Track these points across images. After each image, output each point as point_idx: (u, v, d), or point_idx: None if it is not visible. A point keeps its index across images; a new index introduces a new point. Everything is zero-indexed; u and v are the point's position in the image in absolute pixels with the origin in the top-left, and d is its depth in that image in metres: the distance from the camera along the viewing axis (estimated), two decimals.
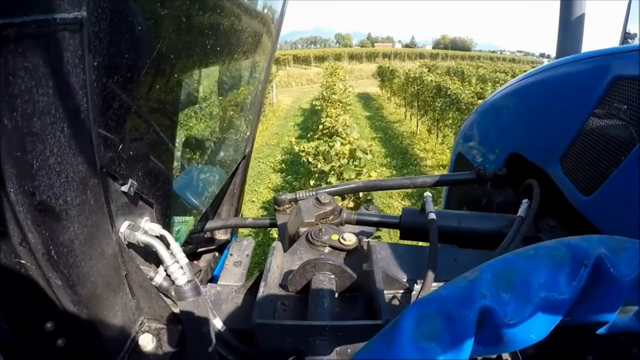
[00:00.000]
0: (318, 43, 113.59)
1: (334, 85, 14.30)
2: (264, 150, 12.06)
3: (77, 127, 0.59)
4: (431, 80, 13.02)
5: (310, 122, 14.17)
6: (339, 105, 11.39)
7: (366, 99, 22.98)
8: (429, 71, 17.77)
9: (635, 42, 2.20)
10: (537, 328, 0.46)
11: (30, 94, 0.49)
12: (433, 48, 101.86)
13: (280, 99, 21.75)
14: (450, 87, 11.35)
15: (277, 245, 1.01)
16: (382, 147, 11.87)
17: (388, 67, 21.65)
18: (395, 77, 18.47)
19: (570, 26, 2.34)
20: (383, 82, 22.77)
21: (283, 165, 9.17)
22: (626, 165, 0.90)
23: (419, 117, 13.58)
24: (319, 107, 12.28)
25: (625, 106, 0.97)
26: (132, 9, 0.67)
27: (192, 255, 1.49)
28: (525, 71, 1.72)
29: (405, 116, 16.18)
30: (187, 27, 0.89)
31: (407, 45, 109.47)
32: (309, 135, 11.26)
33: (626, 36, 2.25)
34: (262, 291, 0.85)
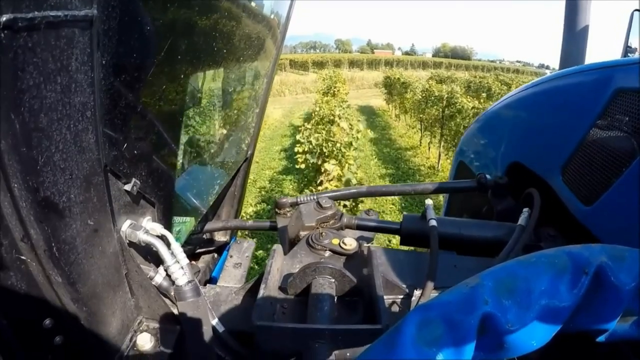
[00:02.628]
0: (318, 48, 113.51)
1: (333, 119, 7.40)
2: None
3: (83, 125, 0.59)
4: (473, 107, 9.08)
5: None
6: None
7: (369, 114, 19.30)
8: (466, 92, 13.47)
9: (636, 55, 2.22)
10: (537, 335, 0.46)
11: (38, 90, 0.50)
12: (433, 56, 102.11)
13: (268, 113, 16.65)
14: None
15: (278, 248, 1.02)
16: None
17: (398, 78, 17.08)
18: (407, 91, 14.55)
19: (574, 38, 2.36)
20: (390, 95, 18.48)
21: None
22: (627, 176, 0.91)
23: (443, 149, 10.17)
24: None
25: (627, 118, 0.98)
26: (141, 9, 0.67)
27: (191, 256, 1.49)
28: None
29: (421, 142, 12.61)
30: (194, 29, 0.89)
31: (407, 53, 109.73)
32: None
33: (627, 50, 2.27)
34: (262, 293, 0.85)
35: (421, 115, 12.25)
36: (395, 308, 0.96)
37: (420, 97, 12.45)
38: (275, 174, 9.60)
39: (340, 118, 7.44)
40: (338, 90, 14.34)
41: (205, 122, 1.33)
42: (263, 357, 0.81)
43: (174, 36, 0.80)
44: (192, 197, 1.22)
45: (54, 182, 0.56)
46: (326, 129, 6.90)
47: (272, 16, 1.41)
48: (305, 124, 7.44)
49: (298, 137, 6.88)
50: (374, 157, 11.34)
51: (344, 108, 8.42)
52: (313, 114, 8.99)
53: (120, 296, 0.80)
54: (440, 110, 10.52)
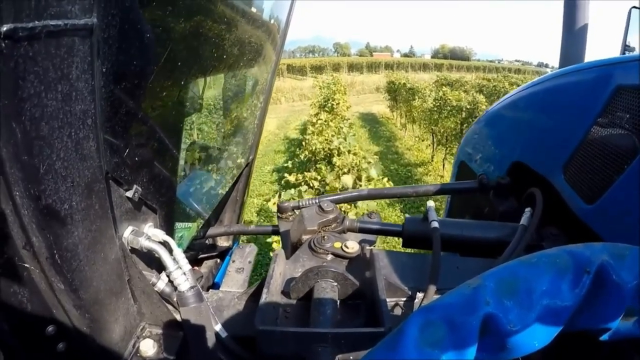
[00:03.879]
0: (316, 52, 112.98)
1: (331, 153, 5.81)
2: None
3: (84, 132, 0.60)
4: None
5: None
6: None
7: (372, 123, 17.57)
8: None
9: (635, 53, 2.21)
10: (540, 335, 0.46)
11: (39, 98, 0.50)
12: (432, 57, 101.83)
13: None
14: None
15: (280, 252, 1.02)
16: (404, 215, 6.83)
17: (404, 83, 15.23)
18: (415, 98, 12.77)
19: (573, 36, 2.36)
20: (395, 101, 16.74)
21: None
22: (629, 173, 0.91)
23: None
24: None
25: (628, 115, 0.97)
26: (141, 17, 0.68)
27: (194, 262, 1.49)
28: None
29: (433, 157, 10.92)
30: (194, 36, 0.90)
31: (405, 55, 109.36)
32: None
33: (626, 48, 2.26)
34: (264, 298, 0.85)
35: (433, 127, 10.61)
36: (397, 310, 0.95)
37: (431, 105, 10.76)
38: (264, 202, 7.34)
39: (340, 154, 5.34)
40: (337, 104, 11.52)
41: (206, 127, 1.33)
42: None
43: (173, 43, 0.80)
44: (194, 202, 1.22)
45: (55, 189, 0.57)
46: (320, 175, 5.11)
47: (272, 21, 1.42)
48: (287, 174, 5.45)
49: (271, 203, 4.89)
50: (380, 177, 9.71)
51: (344, 139, 6.28)
52: (304, 144, 6.86)
53: (122, 302, 0.80)
54: (459, 122, 9.09)
